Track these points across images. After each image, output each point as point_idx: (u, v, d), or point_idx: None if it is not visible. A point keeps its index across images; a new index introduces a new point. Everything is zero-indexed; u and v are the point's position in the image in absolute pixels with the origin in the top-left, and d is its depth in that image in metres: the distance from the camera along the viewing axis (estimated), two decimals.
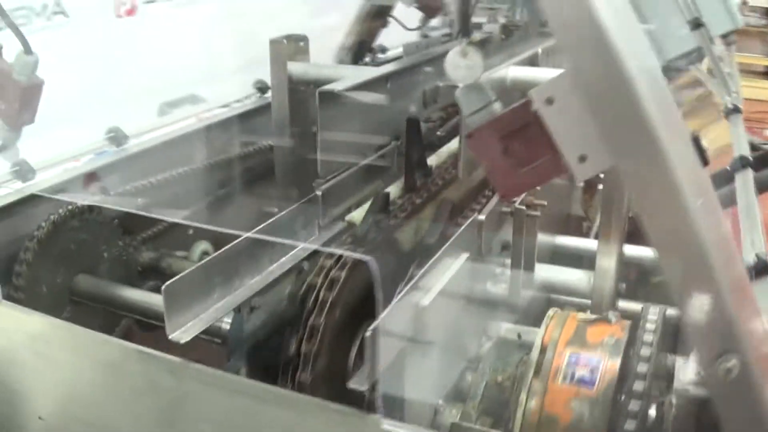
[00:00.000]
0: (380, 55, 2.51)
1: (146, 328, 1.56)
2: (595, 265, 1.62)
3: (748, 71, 6.08)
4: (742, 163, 1.80)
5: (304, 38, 1.65)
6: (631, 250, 1.68)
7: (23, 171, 1.65)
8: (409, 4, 2.23)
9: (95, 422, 1.26)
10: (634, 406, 1.14)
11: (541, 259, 1.65)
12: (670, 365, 1.29)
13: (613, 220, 1.58)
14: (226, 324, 1.28)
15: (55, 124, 2.25)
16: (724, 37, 2.41)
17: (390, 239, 1.34)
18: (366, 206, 1.45)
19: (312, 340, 1.27)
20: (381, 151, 1.51)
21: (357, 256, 1.10)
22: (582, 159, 0.93)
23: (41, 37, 2.90)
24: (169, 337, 1.13)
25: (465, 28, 1.05)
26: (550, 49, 1.80)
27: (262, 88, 2.10)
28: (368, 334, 0.96)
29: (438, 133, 1.79)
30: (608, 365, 1.21)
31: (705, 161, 0.97)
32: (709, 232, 0.83)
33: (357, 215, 1.46)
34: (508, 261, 1.51)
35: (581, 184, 2.16)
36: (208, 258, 1.22)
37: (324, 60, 2.34)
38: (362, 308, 1.27)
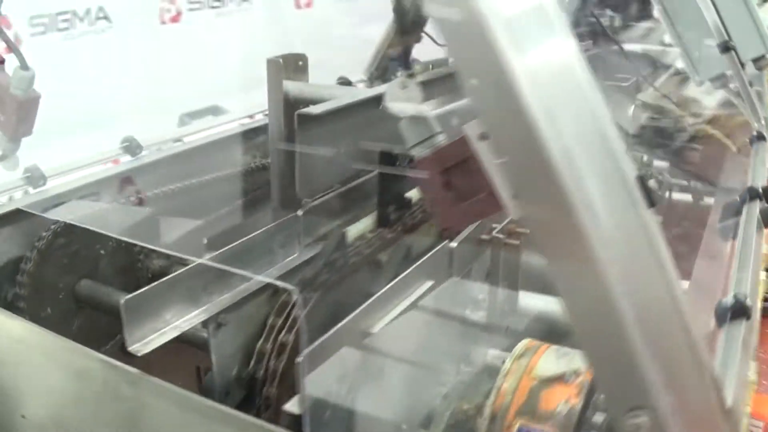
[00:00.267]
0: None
1: None
2: None
3: None
4: (751, 194, 1.74)
5: (303, 57, 1.67)
6: None
7: (34, 177, 1.73)
8: None
9: (66, 425, 1.31)
10: None
11: (533, 285, 1.63)
12: None
13: None
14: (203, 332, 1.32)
15: (75, 130, 2.34)
16: (756, 61, 2.34)
17: (345, 277, 1.34)
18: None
19: (281, 357, 1.29)
20: (360, 179, 1.51)
21: (282, 285, 1.11)
22: (515, 196, 0.93)
23: (81, 42, 3.04)
24: (128, 349, 1.17)
25: (406, 61, 1.06)
26: None
27: None
28: (299, 360, 0.97)
29: None
30: None
31: (651, 203, 0.96)
32: (623, 282, 0.81)
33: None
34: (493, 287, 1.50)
35: None
36: (171, 275, 1.25)
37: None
38: None
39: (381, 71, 2.50)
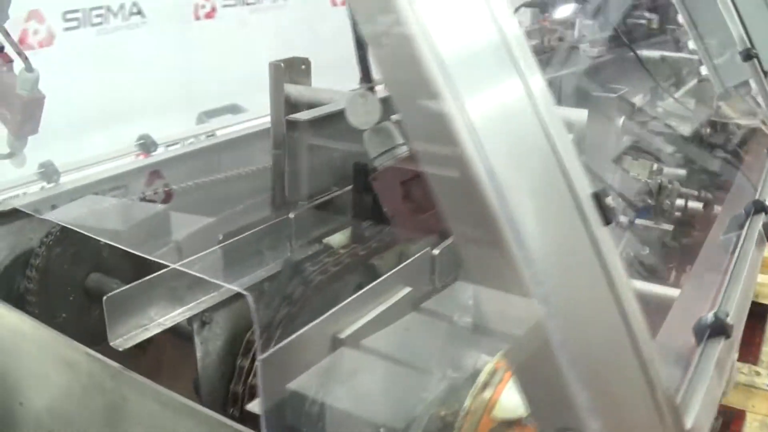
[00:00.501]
0: None
1: None
2: None
3: None
4: (756, 207, 1.72)
5: (306, 61, 1.70)
6: None
7: (48, 172, 1.80)
8: None
9: (58, 413, 1.37)
10: None
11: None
12: None
13: None
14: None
15: (97, 126, 2.41)
16: None
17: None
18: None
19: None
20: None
21: (236, 288, 1.14)
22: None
23: (113, 37, 3.11)
24: (111, 343, 1.22)
25: (366, 74, 1.07)
26: None
27: None
28: (259, 361, 1.00)
29: None
30: None
31: (606, 220, 0.96)
32: (552, 301, 0.81)
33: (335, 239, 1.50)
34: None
35: None
36: (155, 274, 1.29)
37: None
38: None
39: None
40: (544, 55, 2.11)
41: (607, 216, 0.94)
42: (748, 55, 2.25)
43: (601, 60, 2.36)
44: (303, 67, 1.70)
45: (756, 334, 2.64)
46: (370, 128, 0.99)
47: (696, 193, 1.99)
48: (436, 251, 1.36)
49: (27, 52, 1.52)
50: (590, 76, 2.14)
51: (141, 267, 1.79)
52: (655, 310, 1.65)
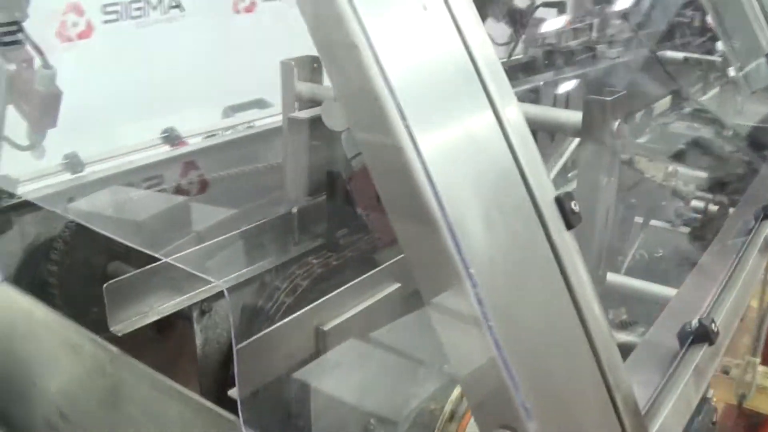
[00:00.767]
0: None
1: None
2: None
3: None
4: (765, 212, 1.70)
5: (317, 60, 1.73)
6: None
7: (72, 164, 1.88)
8: (499, 20, 2.27)
9: (66, 395, 1.44)
10: None
11: None
12: None
13: None
14: None
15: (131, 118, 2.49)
16: None
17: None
18: None
19: None
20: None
21: (211, 280, 1.19)
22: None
23: (150, 30, 3.19)
24: (111, 329, 1.28)
25: None
26: None
27: None
28: (236, 349, 1.05)
29: None
30: None
31: (569, 224, 0.98)
32: (494, 298, 0.82)
33: None
34: None
35: None
36: (154, 264, 1.36)
37: None
38: None
39: None
40: (561, 55, 2.11)
41: (569, 220, 0.96)
42: None
43: (620, 61, 2.35)
44: (315, 65, 1.74)
45: None
46: (347, 129, 1.03)
47: (712, 196, 1.97)
48: None
49: (65, 44, 1.60)
50: (608, 78, 2.13)
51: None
52: (650, 310, 1.66)
